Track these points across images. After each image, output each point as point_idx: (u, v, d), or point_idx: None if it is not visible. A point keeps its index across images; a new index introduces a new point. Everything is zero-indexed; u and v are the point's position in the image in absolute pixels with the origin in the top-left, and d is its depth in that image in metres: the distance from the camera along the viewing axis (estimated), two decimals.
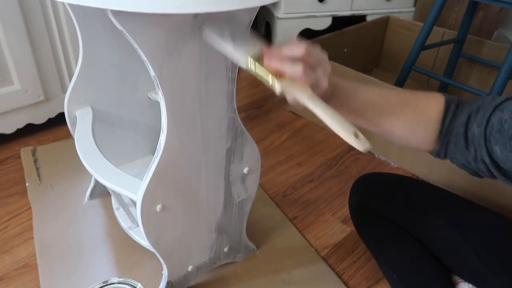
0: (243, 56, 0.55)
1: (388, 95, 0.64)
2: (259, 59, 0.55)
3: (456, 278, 0.79)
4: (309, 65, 0.54)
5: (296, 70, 0.52)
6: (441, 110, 0.62)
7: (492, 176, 0.60)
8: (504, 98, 0.58)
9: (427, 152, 0.64)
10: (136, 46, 0.51)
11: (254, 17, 0.59)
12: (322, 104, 0.52)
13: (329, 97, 0.58)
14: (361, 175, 0.92)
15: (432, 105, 0.63)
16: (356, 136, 0.49)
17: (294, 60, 0.53)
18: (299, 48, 0.53)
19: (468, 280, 0.77)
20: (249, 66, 0.54)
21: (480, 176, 0.62)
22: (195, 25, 0.54)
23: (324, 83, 0.55)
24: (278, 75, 0.54)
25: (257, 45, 0.57)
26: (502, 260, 0.70)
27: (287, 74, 0.53)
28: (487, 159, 0.57)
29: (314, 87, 0.54)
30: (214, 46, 0.57)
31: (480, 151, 0.57)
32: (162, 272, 0.76)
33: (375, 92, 0.64)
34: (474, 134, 0.58)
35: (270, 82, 0.54)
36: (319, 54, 0.56)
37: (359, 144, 0.49)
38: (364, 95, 0.63)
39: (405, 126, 0.63)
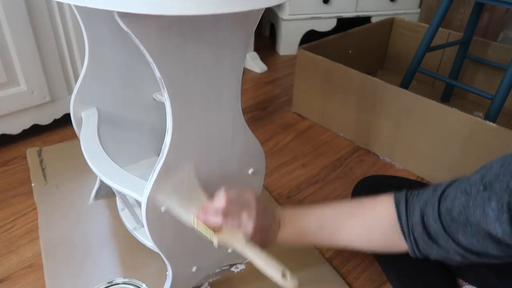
0: (188, 216, 0.60)
1: (334, 212, 0.67)
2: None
3: (460, 281, 0.78)
4: (231, 213, 0.59)
5: (216, 221, 0.58)
6: (390, 212, 0.62)
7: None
8: (445, 185, 0.58)
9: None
10: (142, 47, 0.51)
11: (259, 18, 0.59)
12: (254, 249, 0.58)
13: (278, 228, 0.65)
14: (364, 177, 0.92)
15: (380, 210, 0.64)
16: (284, 275, 0.56)
17: (217, 212, 0.58)
18: (219, 200, 0.59)
19: (472, 283, 0.77)
20: (193, 225, 0.60)
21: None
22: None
23: (249, 227, 0.59)
24: (217, 228, 0.59)
25: (201, 199, 0.63)
26: (507, 265, 0.69)
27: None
28: (460, 250, 0.56)
29: (243, 232, 0.59)
30: (169, 210, 0.63)
31: (449, 244, 0.57)
32: (167, 273, 0.76)
33: (324, 212, 0.67)
34: (434, 229, 0.57)
35: (209, 237, 0.58)
36: (244, 200, 0.61)
37: (285, 283, 0.56)
38: (312, 218, 0.66)
39: (360, 237, 0.65)
